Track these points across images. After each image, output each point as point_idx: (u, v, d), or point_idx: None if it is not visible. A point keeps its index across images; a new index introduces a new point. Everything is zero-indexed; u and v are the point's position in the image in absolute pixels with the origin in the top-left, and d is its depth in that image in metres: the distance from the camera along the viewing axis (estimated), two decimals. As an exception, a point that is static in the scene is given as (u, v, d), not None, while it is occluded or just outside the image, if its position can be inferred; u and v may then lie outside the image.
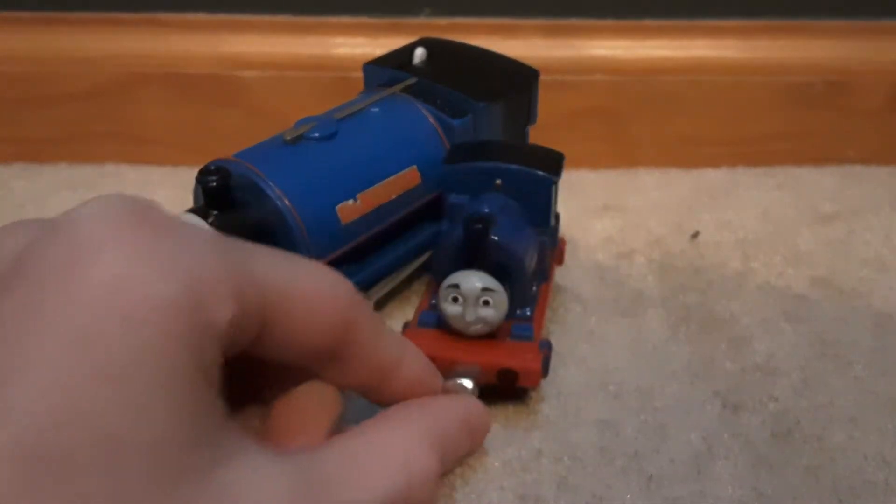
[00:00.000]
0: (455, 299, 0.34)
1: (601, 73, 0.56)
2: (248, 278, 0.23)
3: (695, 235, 0.49)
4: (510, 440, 0.34)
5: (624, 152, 0.57)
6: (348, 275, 0.29)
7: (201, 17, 0.56)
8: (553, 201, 0.38)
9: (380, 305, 0.42)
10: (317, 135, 0.37)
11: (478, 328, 0.34)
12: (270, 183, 0.35)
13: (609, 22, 0.56)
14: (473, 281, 0.34)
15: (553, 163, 0.39)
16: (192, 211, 0.34)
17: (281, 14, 0.56)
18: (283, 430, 0.27)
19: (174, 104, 0.55)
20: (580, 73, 0.56)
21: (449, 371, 0.34)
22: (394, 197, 0.39)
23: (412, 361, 0.29)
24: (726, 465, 0.33)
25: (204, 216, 0.34)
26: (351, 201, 0.37)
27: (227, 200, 0.34)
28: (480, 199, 0.37)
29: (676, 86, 0.56)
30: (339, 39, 0.56)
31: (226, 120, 0.55)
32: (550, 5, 0.56)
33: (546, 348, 0.35)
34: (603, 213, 0.51)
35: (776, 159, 0.58)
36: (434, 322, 0.36)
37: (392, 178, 0.39)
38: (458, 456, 0.30)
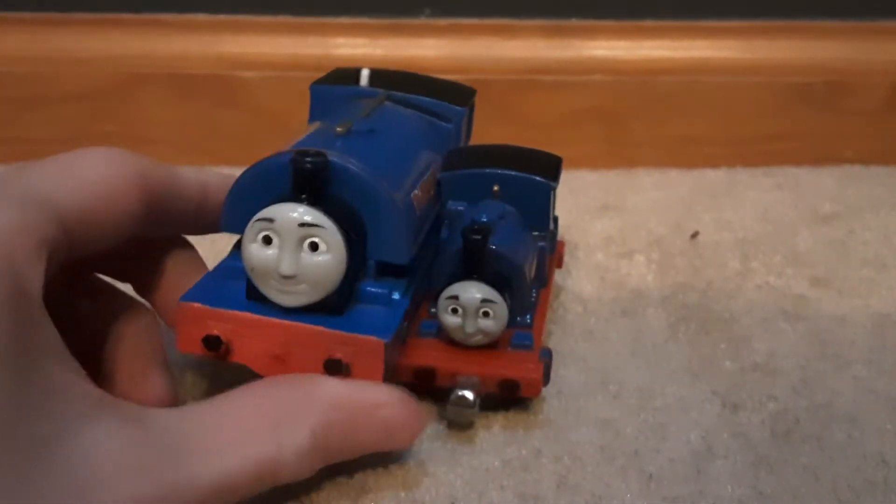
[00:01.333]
0: (455, 310, 0.34)
1: (601, 73, 0.56)
2: (52, 223, 0.26)
3: (694, 235, 0.49)
4: (510, 439, 0.34)
5: (623, 152, 0.58)
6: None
7: (202, 17, 0.56)
8: (552, 206, 0.38)
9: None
10: (362, 129, 0.35)
11: (478, 339, 0.34)
12: (360, 167, 0.31)
13: (609, 23, 0.56)
14: (473, 292, 0.33)
15: (551, 167, 0.38)
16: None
17: (281, 15, 0.56)
18: (120, 378, 0.31)
19: (175, 104, 0.55)
20: (580, 74, 0.56)
21: (450, 382, 0.34)
22: (432, 193, 0.37)
23: (219, 183, 0.33)
24: (726, 465, 0.33)
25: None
26: (417, 191, 0.34)
27: (321, 186, 0.30)
28: (479, 207, 0.36)
29: (676, 86, 0.56)
30: (340, 40, 0.56)
31: (227, 120, 0.55)
32: (550, 6, 0.56)
33: (547, 357, 0.35)
34: (603, 213, 0.52)
35: (775, 159, 0.58)
36: (434, 332, 0.35)
37: (429, 173, 0.37)
38: (350, 447, 0.30)
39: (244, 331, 0.30)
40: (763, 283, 0.45)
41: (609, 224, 0.50)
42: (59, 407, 0.23)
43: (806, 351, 0.40)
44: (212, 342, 0.30)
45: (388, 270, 0.33)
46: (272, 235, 0.29)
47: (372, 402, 0.30)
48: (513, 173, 0.37)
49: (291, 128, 0.38)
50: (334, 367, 0.30)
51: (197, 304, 0.30)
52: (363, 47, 0.56)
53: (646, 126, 0.57)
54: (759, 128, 0.57)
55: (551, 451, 0.33)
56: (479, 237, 0.33)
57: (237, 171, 0.32)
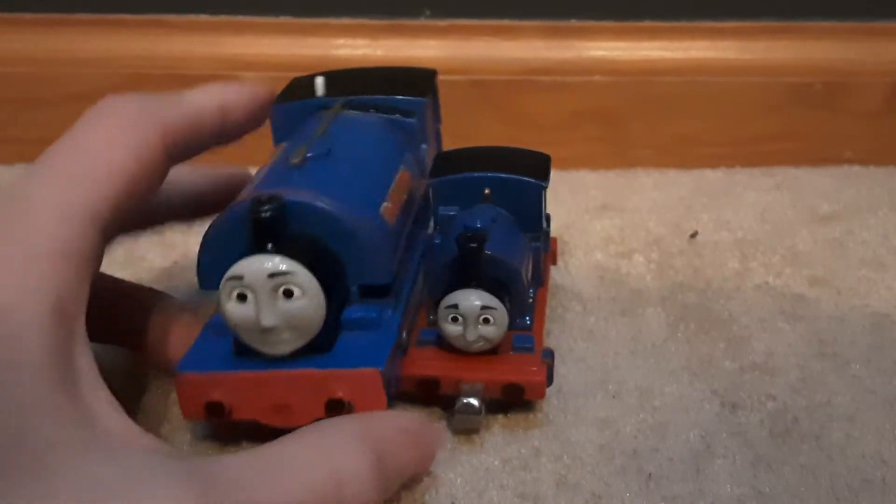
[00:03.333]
0: (455, 319, 0.33)
1: (600, 74, 0.56)
2: (91, 231, 0.27)
3: (693, 235, 0.49)
4: (510, 439, 0.34)
5: (623, 153, 0.58)
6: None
7: (203, 18, 0.56)
8: (543, 205, 0.38)
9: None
10: (316, 153, 0.34)
11: (479, 346, 0.34)
12: (319, 200, 0.31)
13: (608, 23, 0.57)
14: (473, 300, 0.33)
15: (541, 166, 0.38)
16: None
17: (282, 15, 0.56)
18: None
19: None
20: (579, 74, 0.56)
21: (454, 390, 0.34)
22: (405, 197, 0.37)
23: (236, 99, 0.33)
24: (725, 464, 0.33)
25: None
26: (387, 203, 0.34)
27: (282, 231, 0.30)
28: (471, 213, 0.36)
29: (675, 87, 0.56)
30: (340, 41, 0.56)
31: (227, 121, 0.55)
32: (549, 7, 0.56)
33: (549, 358, 0.35)
34: (602, 213, 0.52)
35: (774, 160, 0.58)
36: (434, 340, 0.35)
37: (396, 178, 0.36)
38: (401, 467, 0.29)
39: (242, 390, 0.30)
40: (762, 282, 0.45)
41: (608, 224, 0.50)
42: (118, 453, 0.23)
43: (805, 350, 0.40)
44: (214, 409, 0.30)
45: (373, 289, 0.32)
46: (245, 292, 0.29)
47: (406, 423, 0.30)
48: (503, 175, 0.37)
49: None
50: (336, 407, 0.30)
51: (193, 374, 0.30)
52: (363, 48, 0.56)
53: (645, 126, 0.57)
54: (757, 128, 0.58)
55: (551, 450, 0.34)
56: (474, 244, 0.33)
57: (237, 172, 0.32)
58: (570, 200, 0.53)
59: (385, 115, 0.39)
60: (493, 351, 0.35)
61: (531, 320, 0.36)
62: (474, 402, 0.33)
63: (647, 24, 0.57)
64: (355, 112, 0.39)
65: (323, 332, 0.30)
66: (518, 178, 0.37)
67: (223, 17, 0.56)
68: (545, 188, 0.37)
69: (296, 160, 0.33)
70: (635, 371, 0.38)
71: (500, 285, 0.34)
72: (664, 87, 0.56)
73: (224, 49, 0.56)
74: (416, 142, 0.39)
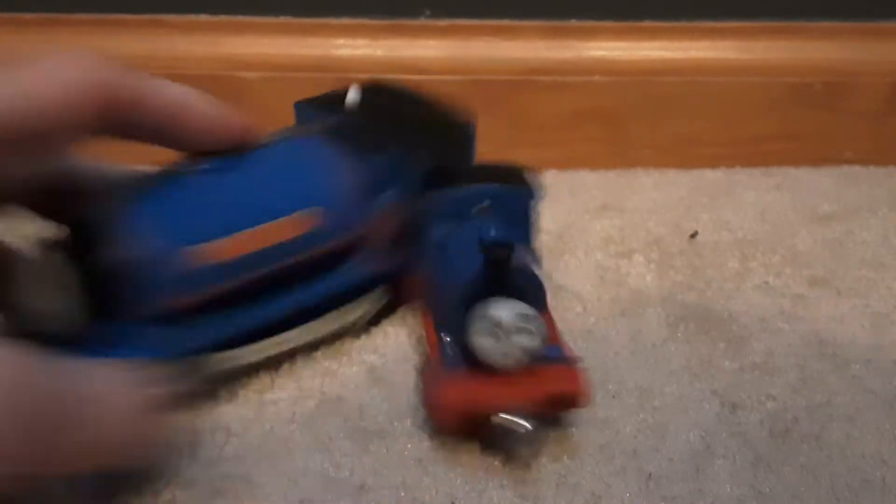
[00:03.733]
0: (491, 332, 0.31)
1: (600, 74, 0.56)
2: None
3: (693, 235, 0.49)
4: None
5: (623, 153, 0.58)
6: (203, 327, 0.32)
7: (203, 18, 0.56)
8: (537, 216, 0.37)
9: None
10: (209, 167, 0.33)
11: (518, 359, 0.32)
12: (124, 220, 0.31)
13: (608, 23, 0.57)
14: (510, 309, 0.31)
15: (523, 177, 0.37)
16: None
17: (282, 15, 0.56)
18: None
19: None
20: (579, 74, 0.56)
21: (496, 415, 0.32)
22: (278, 242, 0.34)
23: (200, 102, 0.32)
24: (725, 464, 0.33)
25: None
26: (216, 241, 0.32)
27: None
28: (474, 226, 0.35)
29: (675, 87, 0.56)
30: (340, 41, 0.56)
31: (227, 121, 0.55)
32: (549, 7, 0.56)
33: (580, 364, 0.33)
34: (602, 213, 0.52)
35: (774, 160, 0.58)
36: (459, 362, 0.33)
37: (281, 220, 0.34)
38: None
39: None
40: (762, 282, 0.45)
41: (608, 224, 0.51)
42: None
43: (804, 350, 0.40)
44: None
45: None
46: None
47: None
48: (498, 186, 0.36)
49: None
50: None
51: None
52: (363, 48, 0.56)
53: (645, 126, 0.57)
54: (757, 128, 0.58)
55: (550, 450, 0.34)
56: (505, 252, 0.32)
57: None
58: (569, 200, 0.53)
59: (348, 150, 0.36)
60: (527, 367, 0.32)
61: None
62: (521, 420, 0.31)
63: (647, 24, 0.57)
64: (318, 137, 0.36)
65: None
66: (515, 189, 0.37)
67: (223, 17, 0.56)
68: (537, 197, 0.37)
69: (187, 168, 0.33)
70: (635, 371, 0.38)
71: (527, 295, 0.32)
72: (664, 87, 0.56)
73: (224, 49, 0.56)
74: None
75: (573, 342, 0.40)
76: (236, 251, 0.33)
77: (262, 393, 0.36)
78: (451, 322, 0.33)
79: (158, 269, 0.31)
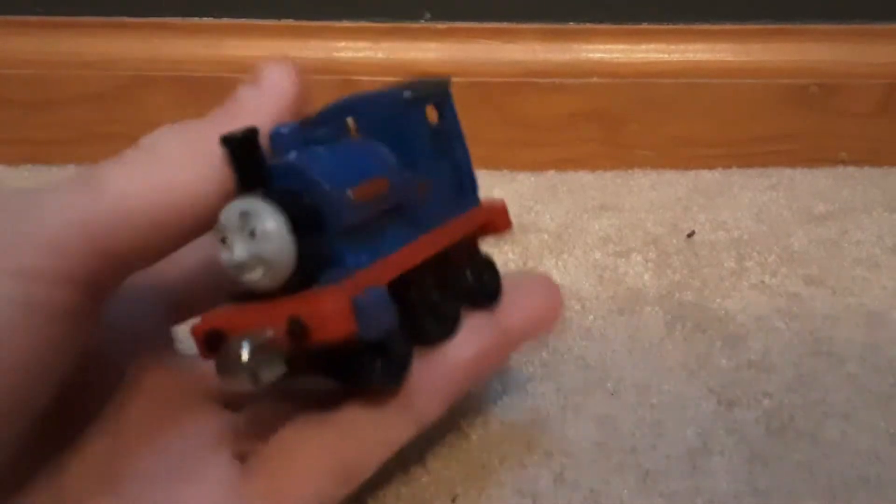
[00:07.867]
0: (224, 241, 0.25)
1: (598, 76, 0.56)
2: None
3: (690, 235, 0.50)
4: (508, 436, 0.34)
5: (620, 154, 0.58)
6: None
7: (207, 21, 0.56)
8: (426, 131, 0.31)
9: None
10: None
11: (257, 275, 0.24)
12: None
13: (606, 26, 0.57)
14: (233, 206, 0.25)
15: (430, 84, 0.31)
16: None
17: (285, 18, 0.56)
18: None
19: (180, 107, 0.56)
20: (577, 77, 0.56)
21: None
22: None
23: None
24: (721, 461, 0.33)
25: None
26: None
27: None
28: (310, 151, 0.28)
29: (672, 88, 0.57)
30: (342, 43, 0.56)
31: (229, 122, 0.56)
32: (548, 10, 0.57)
33: (373, 297, 0.25)
34: (600, 213, 0.52)
35: (770, 160, 0.58)
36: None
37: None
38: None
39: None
40: (758, 282, 0.45)
41: (606, 224, 0.51)
42: None
43: (800, 349, 0.40)
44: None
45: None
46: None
47: None
48: (361, 96, 0.30)
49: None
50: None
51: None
52: (365, 51, 0.56)
53: (642, 128, 0.57)
54: (754, 129, 0.58)
55: (549, 447, 0.34)
56: (240, 137, 0.26)
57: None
58: (568, 201, 0.53)
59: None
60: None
61: (368, 260, 0.27)
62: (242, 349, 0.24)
63: (644, 26, 0.57)
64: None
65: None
66: (379, 94, 0.30)
67: (226, 20, 0.56)
68: (420, 101, 0.30)
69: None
70: (633, 369, 0.38)
71: (296, 199, 0.26)
72: (662, 88, 0.56)
73: (226, 51, 0.56)
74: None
75: (571, 340, 0.40)
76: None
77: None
78: None
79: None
